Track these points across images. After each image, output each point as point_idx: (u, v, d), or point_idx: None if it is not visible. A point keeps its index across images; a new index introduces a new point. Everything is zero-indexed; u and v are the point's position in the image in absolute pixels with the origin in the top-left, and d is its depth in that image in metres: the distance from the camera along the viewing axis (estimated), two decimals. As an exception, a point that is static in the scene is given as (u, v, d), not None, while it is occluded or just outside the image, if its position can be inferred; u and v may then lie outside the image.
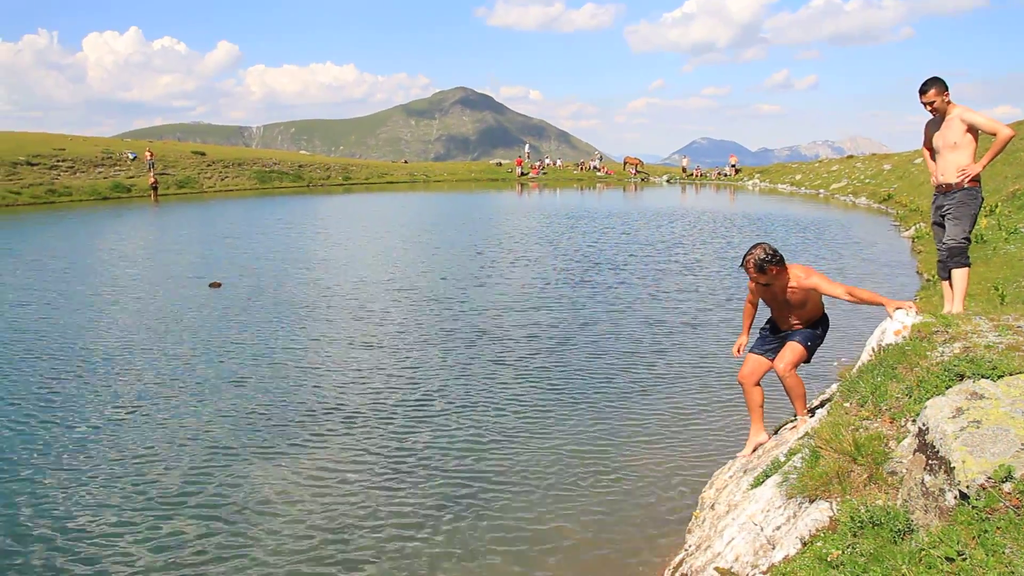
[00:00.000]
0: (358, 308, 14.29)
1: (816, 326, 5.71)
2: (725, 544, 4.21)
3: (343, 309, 14.22)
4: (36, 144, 43.75)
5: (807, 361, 5.71)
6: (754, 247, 5.49)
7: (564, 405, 9.07)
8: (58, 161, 41.49)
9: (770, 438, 5.89)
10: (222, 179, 48.68)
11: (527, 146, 74.73)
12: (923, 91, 6.12)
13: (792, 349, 5.62)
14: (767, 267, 5.40)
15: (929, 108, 6.17)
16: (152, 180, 42.64)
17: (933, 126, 6.28)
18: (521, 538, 6.05)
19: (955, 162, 6.11)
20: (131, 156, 45.48)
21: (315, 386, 9.75)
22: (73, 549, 5.84)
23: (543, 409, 8.92)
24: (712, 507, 5.29)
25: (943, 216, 6.30)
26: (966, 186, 6.10)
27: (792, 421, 5.93)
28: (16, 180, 37.79)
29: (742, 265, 5.56)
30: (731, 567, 3.85)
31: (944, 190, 6.24)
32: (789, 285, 5.49)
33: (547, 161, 71.90)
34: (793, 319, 5.69)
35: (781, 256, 5.45)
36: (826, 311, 5.80)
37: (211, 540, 5.99)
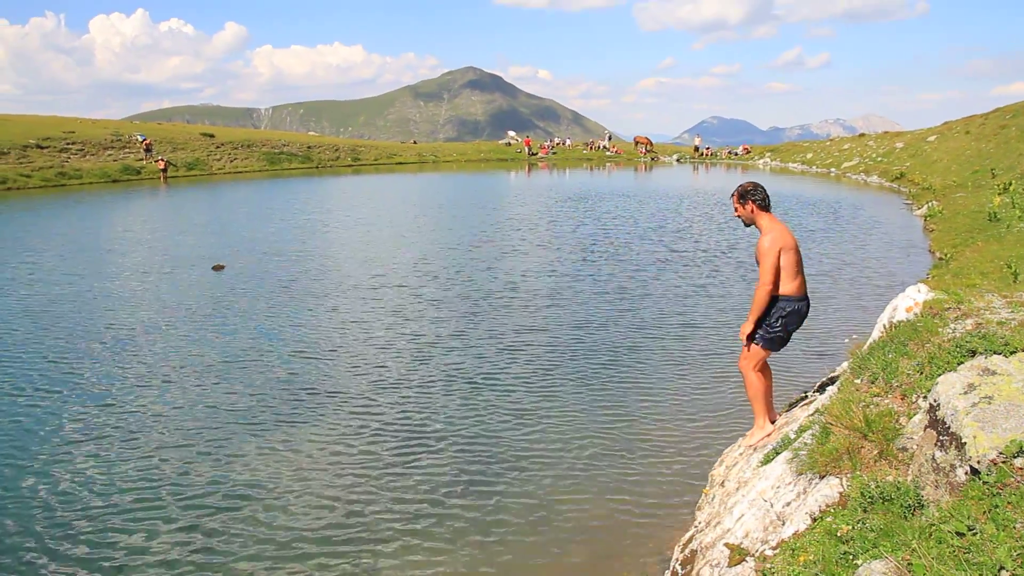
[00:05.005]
0: (364, 289, 14.32)
1: (775, 308, 5.24)
2: (735, 520, 4.22)
3: (348, 290, 14.25)
4: (46, 127, 43.87)
5: (776, 350, 5.39)
6: (747, 181, 5.42)
7: (575, 384, 9.08)
8: (68, 144, 41.62)
9: (776, 429, 5.61)
10: (231, 161, 48.71)
11: (511, 131, 76.56)
12: None
13: (746, 346, 5.42)
14: (747, 200, 5.26)
15: None
16: (162, 163, 42.74)
17: None
18: (532, 514, 6.09)
19: None
20: (140, 138, 45.61)
21: (322, 367, 9.80)
22: (80, 527, 5.92)
23: (554, 388, 8.94)
24: (722, 484, 5.30)
25: None
26: None
27: (804, 398, 5.91)
28: (27, 163, 37.96)
29: (732, 194, 5.44)
30: (741, 543, 3.86)
31: None
32: (760, 236, 5.22)
33: (556, 140, 71.57)
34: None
35: (767, 198, 5.27)
36: (809, 295, 5.35)
37: (222, 518, 6.05)
